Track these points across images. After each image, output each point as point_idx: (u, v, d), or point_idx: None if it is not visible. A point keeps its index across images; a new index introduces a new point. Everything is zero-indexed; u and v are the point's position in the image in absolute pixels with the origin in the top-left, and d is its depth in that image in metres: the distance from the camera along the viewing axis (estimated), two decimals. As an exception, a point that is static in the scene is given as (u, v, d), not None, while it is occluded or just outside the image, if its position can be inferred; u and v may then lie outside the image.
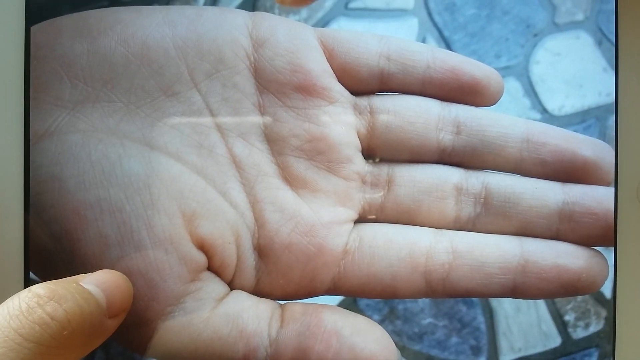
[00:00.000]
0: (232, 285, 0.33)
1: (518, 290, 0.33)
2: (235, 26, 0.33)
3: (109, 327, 0.27)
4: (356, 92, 0.34)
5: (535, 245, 0.33)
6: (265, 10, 0.34)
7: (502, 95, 0.34)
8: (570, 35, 0.34)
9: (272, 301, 0.33)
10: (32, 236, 0.32)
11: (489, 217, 0.33)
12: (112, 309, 0.27)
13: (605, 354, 0.34)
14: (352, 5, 0.34)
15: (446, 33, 0.35)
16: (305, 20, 0.34)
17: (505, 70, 0.34)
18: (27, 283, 0.32)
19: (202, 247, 0.32)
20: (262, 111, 0.33)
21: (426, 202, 0.33)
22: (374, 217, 0.34)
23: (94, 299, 0.26)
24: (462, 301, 0.35)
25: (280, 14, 0.34)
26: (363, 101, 0.34)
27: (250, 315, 0.32)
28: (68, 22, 0.32)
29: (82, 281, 0.27)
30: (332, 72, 0.34)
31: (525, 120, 0.34)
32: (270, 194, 0.33)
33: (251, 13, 0.33)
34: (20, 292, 0.25)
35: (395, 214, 0.34)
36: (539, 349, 0.35)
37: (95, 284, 0.27)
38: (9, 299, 0.25)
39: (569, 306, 0.35)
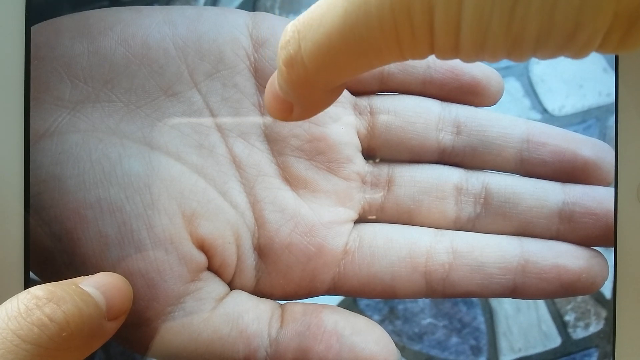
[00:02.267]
0: (232, 285, 0.33)
1: (518, 290, 0.33)
2: (235, 26, 0.33)
3: (109, 329, 0.27)
4: (356, 92, 0.34)
5: (535, 246, 0.33)
6: (266, 10, 0.34)
7: (502, 95, 0.34)
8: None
9: (272, 301, 0.33)
10: (32, 236, 0.32)
11: (489, 217, 0.33)
12: (112, 311, 0.27)
13: (605, 354, 0.34)
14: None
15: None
16: (306, 20, 0.34)
17: (505, 70, 0.34)
18: (27, 283, 0.32)
19: (202, 247, 0.32)
20: (263, 111, 0.33)
21: (426, 202, 0.33)
22: (374, 217, 0.34)
23: (93, 301, 0.26)
24: (462, 301, 0.35)
25: (280, 14, 0.34)
26: (363, 101, 0.34)
27: (250, 315, 0.32)
28: (68, 22, 0.32)
29: (82, 283, 0.27)
30: (333, 72, 0.34)
31: (526, 121, 0.34)
32: (270, 194, 0.33)
33: (251, 13, 0.33)
34: (19, 294, 0.25)
35: (395, 214, 0.34)
36: (539, 349, 0.35)
37: (95, 287, 0.27)
38: (8, 300, 0.25)
39: (569, 306, 0.35)
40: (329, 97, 0.25)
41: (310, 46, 0.22)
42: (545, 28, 0.18)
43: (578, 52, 0.19)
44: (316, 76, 0.23)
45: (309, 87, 0.23)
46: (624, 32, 0.18)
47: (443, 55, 0.20)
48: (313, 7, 0.22)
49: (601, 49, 0.19)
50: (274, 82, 0.25)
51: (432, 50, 0.20)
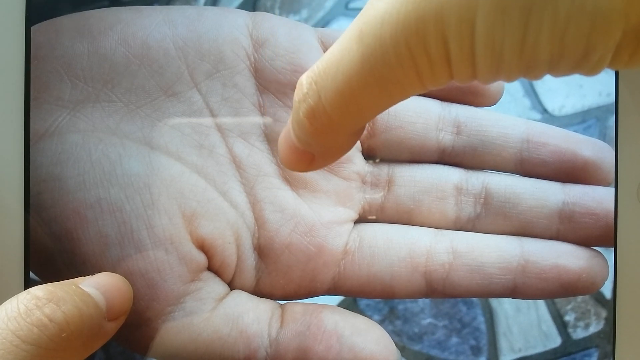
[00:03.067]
0: (232, 285, 0.33)
1: (518, 290, 0.33)
2: (235, 26, 0.33)
3: (108, 330, 0.27)
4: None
5: (536, 246, 0.33)
6: (266, 11, 0.34)
7: (502, 95, 0.34)
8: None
9: (272, 301, 0.33)
10: (32, 236, 0.32)
11: (489, 218, 0.33)
12: (112, 312, 0.27)
13: (605, 354, 0.34)
14: (352, 5, 0.34)
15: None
16: (306, 21, 0.34)
17: (505, 71, 0.34)
18: (27, 283, 0.32)
19: (202, 247, 0.32)
20: (262, 111, 0.33)
21: (426, 202, 0.33)
22: (374, 217, 0.34)
23: (93, 302, 0.26)
24: (462, 301, 0.35)
25: (280, 14, 0.34)
26: None
27: (250, 316, 0.32)
28: (69, 22, 0.32)
29: (82, 284, 0.27)
30: (333, 72, 0.33)
31: (526, 121, 0.34)
32: (271, 194, 0.33)
33: (251, 13, 0.33)
34: (18, 294, 0.25)
35: (395, 214, 0.34)
36: (539, 349, 0.35)
37: (95, 287, 0.27)
38: (7, 301, 0.25)
39: (569, 306, 0.35)
40: (353, 140, 0.25)
41: (331, 95, 0.22)
42: (556, 53, 0.19)
43: (590, 70, 0.20)
44: (341, 123, 0.23)
45: (333, 134, 0.24)
46: (633, 48, 0.19)
47: (463, 81, 0.21)
48: (325, 56, 0.22)
49: (612, 65, 0.20)
50: (288, 136, 0.25)
51: (451, 78, 0.21)
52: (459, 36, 0.19)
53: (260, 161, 0.33)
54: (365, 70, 0.21)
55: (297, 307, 0.33)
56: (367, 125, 0.33)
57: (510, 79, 0.20)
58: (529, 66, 0.19)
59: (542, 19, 0.18)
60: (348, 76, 0.21)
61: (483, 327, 0.35)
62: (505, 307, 0.35)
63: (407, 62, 0.20)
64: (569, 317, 0.35)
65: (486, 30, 0.19)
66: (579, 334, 0.34)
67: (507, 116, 0.34)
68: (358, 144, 0.34)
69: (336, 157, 0.26)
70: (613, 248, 0.33)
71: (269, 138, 0.33)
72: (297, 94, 0.23)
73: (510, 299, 0.33)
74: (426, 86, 0.21)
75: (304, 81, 0.23)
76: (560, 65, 0.19)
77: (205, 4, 0.34)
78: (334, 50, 0.22)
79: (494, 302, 0.35)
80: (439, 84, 0.21)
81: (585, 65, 0.19)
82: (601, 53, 0.19)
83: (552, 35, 0.18)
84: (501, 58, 0.19)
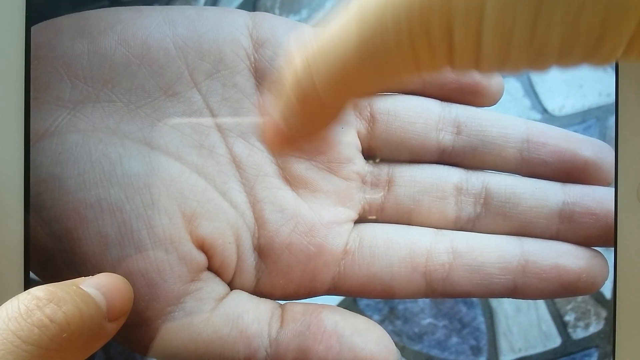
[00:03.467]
0: (232, 285, 0.33)
1: (518, 290, 0.33)
2: (235, 26, 0.33)
3: (109, 330, 0.27)
4: (356, 92, 0.34)
5: (536, 246, 0.33)
6: (266, 11, 0.34)
7: (502, 95, 0.34)
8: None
9: (272, 301, 0.33)
10: (32, 236, 0.32)
11: (489, 218, 0.33)
12: (112, 312, 0.27)
13: (605, 354, 0.34)
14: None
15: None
16: (306, 21, 0.34)
17: (505, 71, 0.34)
18: (28, 283, 0.32)
19: (202, 247, 0.32)
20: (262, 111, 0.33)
21: (426, 202, 0.33)
22: (374, 217, 0.34)
23: (93, 302, 0.26)
24: (462, 301, 0.35)
25: (280, 14, 0.34)
26: (363, 101, 0.34)
27: (250, 316, 0.32)
28: (69, 22, 0.32)
29: (83, 284, 0.27)
30: (332, 72, 0.33)
31: (526, 121, 0.34)
32: (271, 194, 0.33)
33: (251, 13, 0.33)
34: (19, 295, 0.25)
35: (395, 214, 0.34)
36: (539, 349, 0.35)
37: (96, 287, 0.27)
38: (8, 301, 0.25)
39: (569, 306, 0.35)
40: (337, 119, 0.24)
41: (325, 78, 0.21)
42: (568, 38, 0.18)
43: (601, 60, 0.19)
44: (330, 104, 0.22)
45: (321, 115, 0.23)
46: None
47: (461, 69, 0.20)
48: (322, 36, 0.21)
49: (624, 57, 0.19)
50: (272, 117, 0.24)
51: (450, 64, 0.20)
52: (466, 21, 0.18)
53: (260, 161, 0.33)
54: (363, 52, 0.20)
55: (297, 307, 0.33)
56: (367, 125, 0.33)
57: (515, 69, 0.20)
58: (538, 54, 0.19)
59: (555, 3, 0.18)
60: (344, 58, 0.20)
61: (483, 327, 0.35)
62: (505, 307, 0.35)
63: (406, 46, 0.19)
64: (569, 317, 0.35)
65: (496, 15, 0.18)
66: (579, 334, 0.35)
67: (507, 116, 0.34)
68: (358, 144, 0.34)
69: (320, 135, 0.26)
70: (613, 248, 0.33)
71: (269, 138, 0.33)
72: (288, 74, 0.22)
73: (510, 299, 0.33)
74: (421, 73, 0.21)
75: (297, 61, 0.22)
76: (571, 54, 0.19)
77: (205, 4, 0.34)
78: (331, 32, 0.21)
79: (494, 302, 0.35)
80: (435, 70, 0.20)
81: (597, 54, 0.19)
82: (614, 42, 0.18)
83: (565, 21, 0.18)
84: (509, 45, 0.19)
